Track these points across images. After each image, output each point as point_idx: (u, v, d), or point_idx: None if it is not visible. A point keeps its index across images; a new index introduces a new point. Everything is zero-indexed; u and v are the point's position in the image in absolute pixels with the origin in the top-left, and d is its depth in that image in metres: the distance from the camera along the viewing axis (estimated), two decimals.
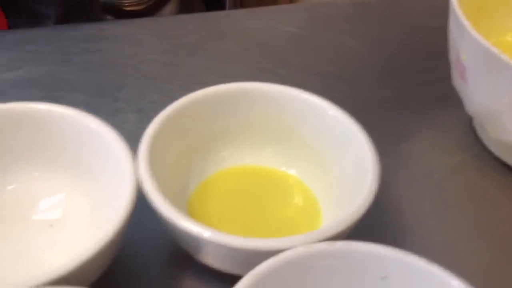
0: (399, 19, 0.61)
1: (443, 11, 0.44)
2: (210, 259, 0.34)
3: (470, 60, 0.39)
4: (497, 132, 0.42)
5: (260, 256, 0.30)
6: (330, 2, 0.63)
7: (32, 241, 0.37)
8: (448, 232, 0.40)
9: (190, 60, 0.55)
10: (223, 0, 1.27)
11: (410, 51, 0.56)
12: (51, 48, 0.56)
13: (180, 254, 0.37)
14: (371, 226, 0.32)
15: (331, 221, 0.36)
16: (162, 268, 0.38)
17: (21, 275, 0.35)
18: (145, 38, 0.58)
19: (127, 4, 1.20)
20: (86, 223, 0.37)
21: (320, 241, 0.31)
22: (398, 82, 0.52)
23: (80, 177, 0.38)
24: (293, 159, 0.41)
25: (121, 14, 1.18)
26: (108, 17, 1.12)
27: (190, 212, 0.38)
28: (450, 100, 0.46)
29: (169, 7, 1.25)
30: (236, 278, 0.29)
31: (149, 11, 1.21)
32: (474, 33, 0.38)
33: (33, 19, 0.64)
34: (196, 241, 0.32)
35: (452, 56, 0.42)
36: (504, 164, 0.45)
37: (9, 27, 0.63)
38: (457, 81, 0.43)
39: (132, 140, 0.36)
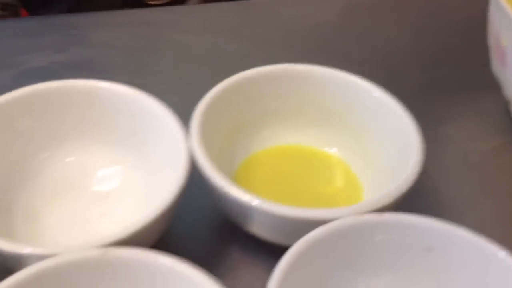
0: (438, 6, 0.62)
1: None
2: (257, 229, 0.36)
3: (510, 44, 0.40)
4: None
5: (307, 226, 0.31)
6: None
7: (90, 211, 0.39)
8: (485, 212, 0.41)
9: (230, 45, 0.56)
10: None
11: (448, 38, 0.58)
12: (96, 32, 0.58)
13: (228, 226, 0.39)
14: (412, 206, 0.33)
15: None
16: (211, 238, 0.39)
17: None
18: (186, 24, 0.59)
19: None
20: (140, 195, 0.39)
21: (368, 212, 0.32)
22: (436, 69, 0.54)
23: (135, 151, 0.40)
24: (336, 140, 0.42)
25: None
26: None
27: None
28: (488, 86, 0.47)
29: (193, 1, 1.25)
30: (280, 250, 0.30)
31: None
32: None
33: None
34: (246, 209, 0.34)
35: (492, 42, 0.43)
36: None
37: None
38: (496, 67, 0.44)
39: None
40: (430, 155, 0.44)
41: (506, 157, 0.45)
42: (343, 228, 0.31)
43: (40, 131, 0.40)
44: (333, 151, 0.42)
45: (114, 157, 0.41)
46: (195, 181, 0.35)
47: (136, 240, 0.31)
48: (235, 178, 0.40)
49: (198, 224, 0.40)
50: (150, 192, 0.38)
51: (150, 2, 1.21)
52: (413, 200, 0.35)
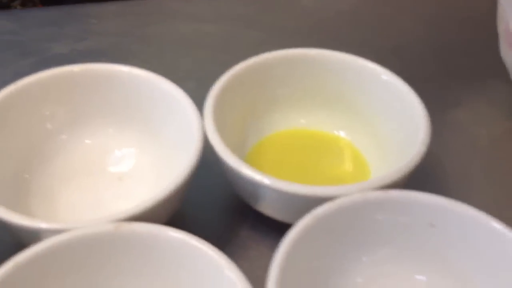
0: None
1: None
2: (268, 207, 0.37)
3: None
4: None
5: (316, 203, 0.32)
6: None
7: (106, 191, 0.40)
8: (491, 195, 0.42)
9: (246, 33, 0.57)
10: None
11: (460, 26, 0.58)
12: (114, 22, 0.59)
13: (239, 206, 0.40)
14: (420, 187, 0.34)
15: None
16: (222, 218, 0.41)
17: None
18: (202, 12, 0.60)
19: None
20: (155, 176, 0.40)
21: (375, 189, 0.33)
22: (448, 57, 0.54)
23: (151, 133, 0.41)
24: (346, 122, 0.43)
25: None
26: None
27: None
28: (498, 72, 0.48)
29: None
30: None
31: None
32: None
33: None
34: (257, 188, 0.35)
35: (501, 27, 0.44)
36: None
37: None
38: (505, 52, 0.45)
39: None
40: (440, 139, 0.45)
41: None
42: (350, 204, 0.32)
43: (61, 113, 0.41)
44: (342, 133, 0.43)
45: (131, 139, 0.42)
46: (209, 163, 0.37)
47: (148, 217, 0.32)
48: (247, 160, 0.41)
49: (210, 204, 0.41)
50: (164, 173, 0.39)
51: None
52: (421, 182, 0.36)
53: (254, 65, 0.41)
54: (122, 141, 0.42)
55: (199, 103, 0.38)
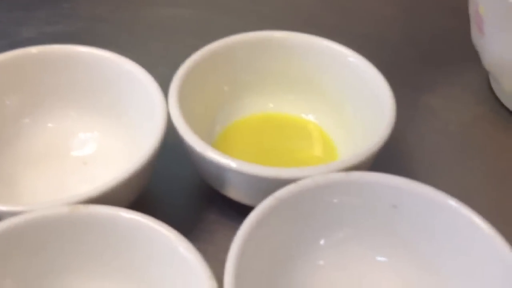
0: None
1: None
2: (233, 190, 0.36)
3: (487, 12, 0.41)
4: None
5: (281, 185, 0.32)
6: None
7: (69, 176, 0.39)
8: (460, 179, 0.42)
9: (220, 19, 0.57)
10: None
11: (434, 11, 0.58)
12: (86, 6, 0.58)
13: (205, 191, 0.40)
14: (387, 169, 0.33)
15: None
16: (188, 203, 0.40)
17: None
18: None
19: None
20: (120, 160, 0.39)
21: (338, 171, 0.33)
22: (422, 43, 0.54)
23: (114, 117, 0.41)
24: (314, 106, 0.43)
25: None
26: None
27: None
28: (470, 58, 0.48)
29: None
30: None
31: None
32: None
33: None
34: (222, 171, 0.34)
35: (471, 10, 0.44)
36: None
37: None
38: (475, 35, 0.44)
39: (163, 89, 0.38)
40: (410, 123, 0.45)
41: (484, 127, 0.46)
42: (311, 186, 0.32)
43: (22, 96, 0.40)
44: (310, 117, 0.43)
45: (95, 122, 0.41)
46: (175, 148, 0.36)
47: (107, 199, 0.32)
48: (216, 145, 0.41)
49: (176, 190, 0.41)
50: (129, 157, 0.39)
51: None
52: (389, 166, 0.36)
53: (217, 49, 0.41)
54: (86, 125, 0.41)
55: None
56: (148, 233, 0.30)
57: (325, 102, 0.42)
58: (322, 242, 0.33)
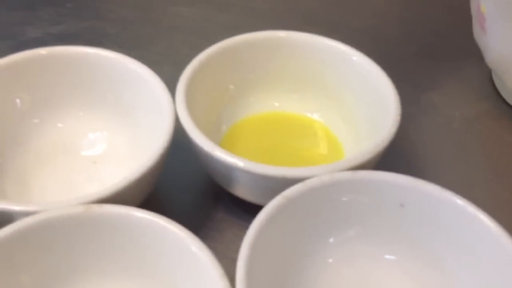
0: None
1: None
2: (241, 189, 0.37)
3: (489, 10, 0.41)
4: None
5: (288, 184, 0.32)
6: None
7: (79, 175, 0.40)
8: (463, 172, 0.43)
9: (221, 17, 0.57)
10: None
11: (435, 8, 0.58)
12: (90, 5, 0.59)
13: (213, 189, 0.40)
14: (392, 167, 0.34)
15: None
16: (196, 201, 0.41)
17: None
18: None
19: None
20: (129, 159, 0.40)
21: (345, 170, 0.33)
22: (423, 39, 0.55)
23: (122, 116, 0.41)
24: (319, 104, 0.43)
25: None
26: None
27: None
28: (472, 55, 0.49)
29: None
30: None
31: None
32: None
33: None
34: (230, 170, 0.35)
35: (473, 9, 0.44)
36: None
37: None
38: (477, 34, 0.45)
39: (169, 88, 0.38)
40: (413, 120, 0.46)
41: (487, 123, 0.46)
42: (319, 185, 0.32)
43: (32, 97, 0.41)
44: (316, 115, 0.43)
45: (103, 122, 0.42)
46: (183, 147, 0.37)
47: (119, 199, 0.32)
48: (222, 144, 0.41)
49: (185, 188, 0.41)
50: (138, 156, 0.39)
51: None
52: (394, 164, 0.37)
53: (224, 48, 0.41)
54: (94, 124, 0.42)
55: (175, 87, 0.38)
56: (160, 232, 0.30)
57: (330, 101, 0.43)
58: (331, 240, 0.34)
